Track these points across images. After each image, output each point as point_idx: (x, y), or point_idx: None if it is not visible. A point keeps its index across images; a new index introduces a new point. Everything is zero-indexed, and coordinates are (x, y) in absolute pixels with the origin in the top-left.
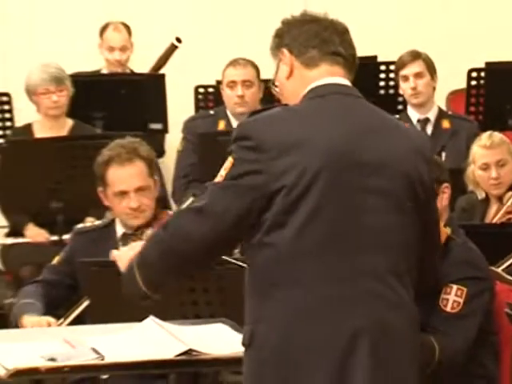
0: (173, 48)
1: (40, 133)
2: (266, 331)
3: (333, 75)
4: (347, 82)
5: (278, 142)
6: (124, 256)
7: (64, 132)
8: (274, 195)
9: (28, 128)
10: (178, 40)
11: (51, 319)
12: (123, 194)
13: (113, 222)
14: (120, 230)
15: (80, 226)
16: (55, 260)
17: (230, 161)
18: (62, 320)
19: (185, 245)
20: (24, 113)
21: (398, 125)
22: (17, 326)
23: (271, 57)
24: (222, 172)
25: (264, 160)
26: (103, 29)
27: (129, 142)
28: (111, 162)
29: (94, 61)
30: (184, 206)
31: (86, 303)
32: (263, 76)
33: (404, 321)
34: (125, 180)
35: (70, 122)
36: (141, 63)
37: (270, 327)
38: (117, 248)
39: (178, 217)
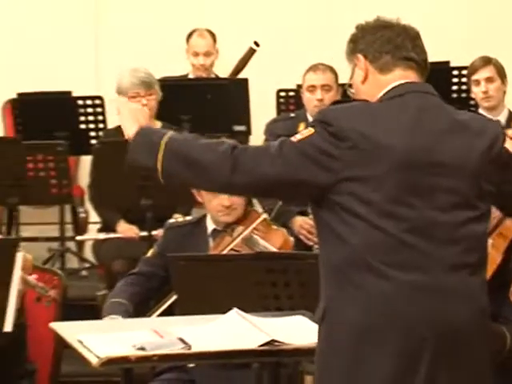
0: (251, 52)
1: None
2: (338, 307)
3: (406, 79)
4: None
5: (356, 133)
6: (127, 110)
7: None
8: (344, 182)
9: (119, 129)
10: (256, 44)
11: None
12: None
13: (204, 217)
14: (210, 225)
15: (172, 220)
16: (149, 253)
17: (310, 130)
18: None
19: (234, 166)
20: (114, 115)
21: (469, 125)
22: None
23: (346, 61)
24: (299, 136)
25: (341, 147)
26: (189, 35)
27: None
28: None
29: (183, 66)
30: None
31: (173, 298)
32: (341, 80)
33: (475, 312)
34: None
35: (158, 124)
36: (222, 67)
37: (344, 305)
38: (207, 244)
39: (245, 147)
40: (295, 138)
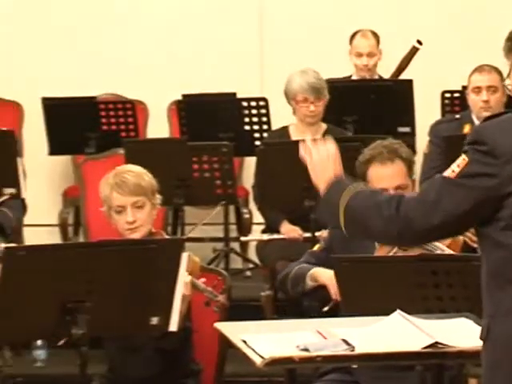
0: (414, 50)
1: (296, 135)
2: (500, 327)
3: None
4: None
5: (510, 147)
6: (319, 159)
7: (318, 135)
8: (506, 198)
9: (285, 130)
10: (419, 42)
11: None
12: (383, 190)
13: None
14: None
15: None
16: (316, 247)
17: (463, 159)
18: None
19: (403, 228)
20: (278, 116)
21: None
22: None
23: (505, 58)
24: (455, 168)
25: (497, 164)
26: (353, 36)
27: (390, 142)
28: (373, 160)
29: (345, 67)
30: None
31: None
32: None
33: None
34: (385, 178)
35: (323, 126)
36: (385, 67)
37: (505, 323)
38: (373, 245)
39: (407, 201)
40: (453, 173)
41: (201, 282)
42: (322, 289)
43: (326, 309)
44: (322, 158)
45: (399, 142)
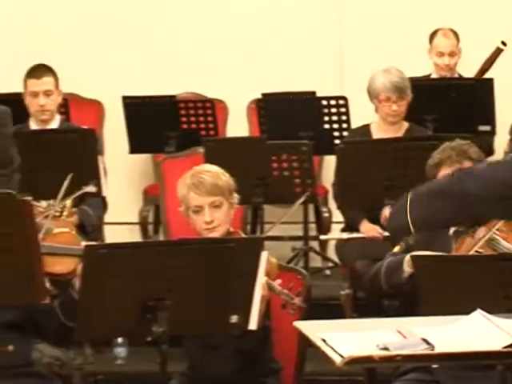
0: (498, 51)
1: (377, 134)
2: None
3: None
4: None
5: None
6: None
7: (400, 134)
8: None
9: (366, 129)
10: (504, 43)
11: None
12: None
13: None
14: None
15: None
16: (396, 248)
17: None
18: None
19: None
20: (358, 114)
21: None
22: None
23: None
24: None
25: None
26: (433, 35)
27: (459, 144)
28: (442, 164)
29: (423, 65)
30: None
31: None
32: None
33: None
34: None
35: (405, 125)
36: (467, 67)
37: None
38: (450, 244)
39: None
40: None
41: (277, 283)
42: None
43: None
44: None
45: (468, 143)
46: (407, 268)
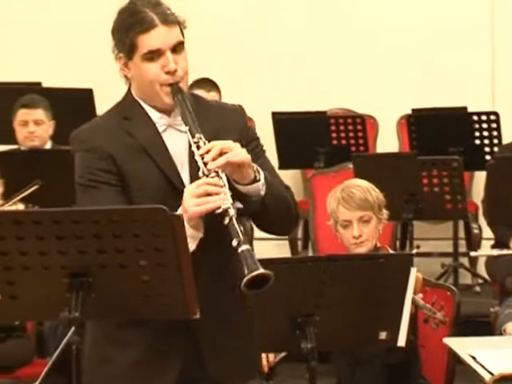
0: None
1: None
2: None
3: None
4: None
5: None
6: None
7: None
8: None
9: None
10: None
11: None
12: None
13: None
14: None
15: None
16: None
17: None
18: None
19: None
20: (509, 131)
21: None
22: (501, 333)
23: None
24: None
25: None
26: None
27: None
28: None
29: None
30: None
31: None
32: None
33: None
34: None
35: None
36: None
37: None
38: None
39: None
40: None
41: (419, 297)
42: None
43: None
44: None
45: None
46: None
